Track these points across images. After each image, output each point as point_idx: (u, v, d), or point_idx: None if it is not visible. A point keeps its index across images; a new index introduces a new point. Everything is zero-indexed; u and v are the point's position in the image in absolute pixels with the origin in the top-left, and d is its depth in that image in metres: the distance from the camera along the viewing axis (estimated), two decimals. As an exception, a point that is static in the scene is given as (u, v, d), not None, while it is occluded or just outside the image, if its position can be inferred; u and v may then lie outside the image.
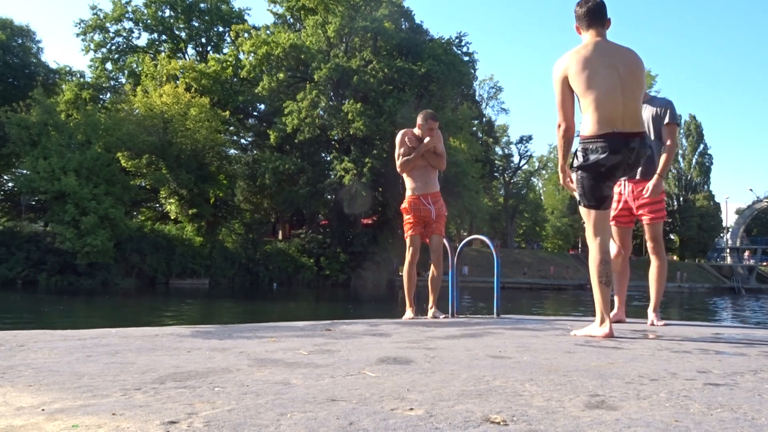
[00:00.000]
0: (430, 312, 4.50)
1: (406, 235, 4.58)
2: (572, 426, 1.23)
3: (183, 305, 18.64)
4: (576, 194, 2.94)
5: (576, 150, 2.88)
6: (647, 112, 3.81)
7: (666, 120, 3.74)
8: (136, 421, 1.22)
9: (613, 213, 3.87)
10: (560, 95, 2.77)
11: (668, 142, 3.76)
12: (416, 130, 4.48)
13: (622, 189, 3.85)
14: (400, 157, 4.44)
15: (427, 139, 4.36)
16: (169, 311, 16.43)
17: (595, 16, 2.84)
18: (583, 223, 3.01)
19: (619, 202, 3.87)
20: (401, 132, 4.54)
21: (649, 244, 3.90)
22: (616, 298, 4.07)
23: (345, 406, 1.36)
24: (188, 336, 2.81)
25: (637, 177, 3.79)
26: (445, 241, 4.57)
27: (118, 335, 2.80)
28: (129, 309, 17.97)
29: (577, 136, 2.91)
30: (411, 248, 4.49)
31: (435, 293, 4.53)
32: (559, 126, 2.82)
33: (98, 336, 2.74)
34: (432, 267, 4.51)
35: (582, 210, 2.93)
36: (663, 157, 3.78)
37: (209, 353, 2.23)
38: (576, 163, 2.86)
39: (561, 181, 3.09)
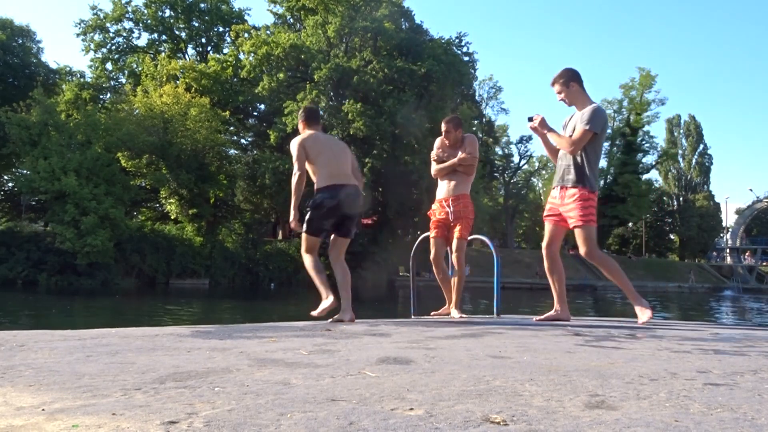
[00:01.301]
0: (454, 312, 4.60)
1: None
2: (572, 426, 1.23)
3: (183, 305, 18.64)
4: (304, 225, 4.08)
5: (313, 197, 4.08)
6: (575, 118, 4.01)
7: (582, 123, 3.91)
8: (136, 421, 1.22)
9: (545, 213, 4.23)
10: (302, 157, 4.02)
11: (573, 136, 3.93)
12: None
13: (555, 193, 4.08)
14: (432, 164, 4.74)
15: (460, 155, 4.56)
16: (169, 311, 16.43)
17: (317, 118, 4.29)
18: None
19: (552, 205, 4.13)
20: (438, 139, 4.76)
21: (579, 250, 4.01)
22: (555, 296, 4.18)
23: (345, 406, 1.36)
24: (188, 336, 2.81)
25: (562, 184, 4.01)
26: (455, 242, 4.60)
27: (118, 335, 2.80)
28: (129, 309, 17.97)
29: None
30: (431, 249, 4.71)
31: (457, 294, 4.63)
32: (299, 175, 3.99)
33: (98, 336, 2.74)
34: (455, 269, 4.62)
35: (303, 234, 4.12)
36: (560, 136, 4.02)
37: (209, 353, 2.23)
38: (310, 205, 4.07)
39: (291, 219, 4.08)
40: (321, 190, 4.00)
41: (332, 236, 4.18)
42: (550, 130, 4.08)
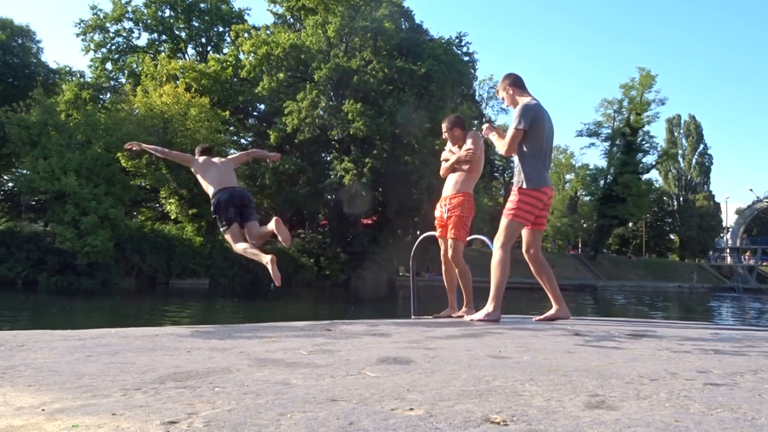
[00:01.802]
0: (463, 311, 4.61)
1: None
2: (572, 426, 1.23)
3: (183, 305, 18.64)
4: (220, 227, 5.06)
5: (211, 202, 5.12)
6: None
7: (511, 123, 4.03)
8: (136, 421, 1.22)
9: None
10: (192, 163, 5.29)
11: (505, 137, 4.05)
12: None
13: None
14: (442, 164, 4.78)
15: (463, 150, 4.55)
16: (169, 311, 16.43)
17: (209, 152, 5.41)
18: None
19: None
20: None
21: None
22: (550, 296, 4.24)
23: (345, 406, 1.36)
24: (188, 336, 2.81)
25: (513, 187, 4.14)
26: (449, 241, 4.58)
27: (118, 335, 2.80)
28: (129, 309, 17.97)
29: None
30: (441, 247, 4.73)
31: (466, 293, 4.65)
32: (181, 156, 5.57)
33: (98, 336, 2.74)
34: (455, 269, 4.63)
35: (225, 235, 5.04)
36: (498, 139, 4.13)
37: (209, 353, 2.23)
38: (212, 210, 5.09)
39: (140, 144, 5.34)
40: (215, 193, 5.05)
41: (244, 226, 5.00)
42: (493, 133, 4.23)
